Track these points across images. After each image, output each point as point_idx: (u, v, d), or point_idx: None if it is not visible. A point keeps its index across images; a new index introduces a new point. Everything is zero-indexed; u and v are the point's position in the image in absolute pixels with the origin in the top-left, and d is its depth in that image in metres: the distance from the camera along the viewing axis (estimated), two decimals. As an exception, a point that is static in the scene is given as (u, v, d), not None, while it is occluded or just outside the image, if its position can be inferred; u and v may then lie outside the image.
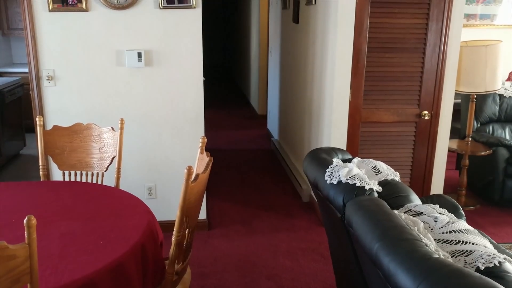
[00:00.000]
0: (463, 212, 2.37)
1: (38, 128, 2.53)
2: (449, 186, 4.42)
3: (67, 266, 1.61)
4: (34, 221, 1.27)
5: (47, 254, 1.66)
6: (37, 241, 1.35)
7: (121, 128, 2.51)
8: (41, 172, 2.55)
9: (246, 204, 4.16)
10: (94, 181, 2.58)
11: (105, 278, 1.59)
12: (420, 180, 3.77)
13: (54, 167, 3.21)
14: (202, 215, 3.59)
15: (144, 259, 1.79)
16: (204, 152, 2.13)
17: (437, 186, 3.83)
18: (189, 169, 1.73)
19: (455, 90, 3.71)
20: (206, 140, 2.17)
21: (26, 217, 1.27)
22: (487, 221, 3.89)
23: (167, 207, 3.45)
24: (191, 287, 2.78)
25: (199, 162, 2.14)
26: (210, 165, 1.99)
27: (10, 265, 1.25)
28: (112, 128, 2.57)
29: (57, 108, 3.20)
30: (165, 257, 1.98)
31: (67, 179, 2.60)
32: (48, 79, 3.12)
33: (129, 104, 3.27)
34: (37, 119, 2.53)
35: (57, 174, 3.26)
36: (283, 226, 3.71)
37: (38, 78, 3.11)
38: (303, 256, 3.24)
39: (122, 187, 2.59)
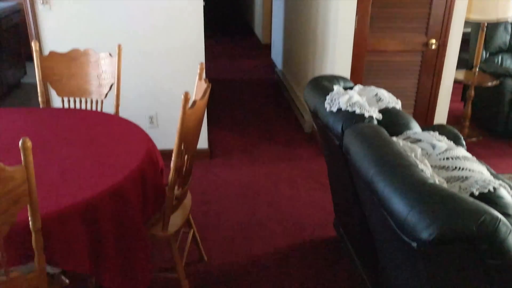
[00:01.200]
0: (464, 142, 2.36)
1: (34, 53, 2.48)
2: (453, 117, 4.39)
3: (68, 190, 1.64)
4: (29, 143, 1.27)
5: (47, 178, 1.68)
6: (37, 166, 1.37)
7: (119, 54, 2.46)
8: (40, 99, 2.53)
9: (248, 134, 4.17)
10: (94, 109, 2.57)
11: (105, 201, 1.61)
12: (423, 111, 3.73)
13: (54, 94, 3.19)
14: (204, 144, 3.61)
15: (144, 185, 1.82)
16: (203, 79, 2.09)
17: (440, 117, 3.80)
18: (186, 95, 1.71)
19: (466, 18, 3.57)
20: (204, 66, 2.13)
21: (20, 140, 1.26)
22: (489, 153, 3.90)
23: (168, 135, 3.46)
24: (193, 213, 2.86)
25: (198, 89, 2.10)
26: (208, 92, 1.96)
27: (8, 187, 1.27)
28: (110, 54, 2.52)
29: (54, 33, 3.12)
30: (165, 183, 2.01)
31: (66, 106, 2.59)
32: (43, 3, 3.02)
33: (127, 30, 3.18)
34: (32, 43, 2.47)
35: (57, 102, 3.25)
36: (284, 156, 3.74)
37: (32, 2, 3.00)
38: (303, 185, 3.28)
39: (123, 116, 2.58)
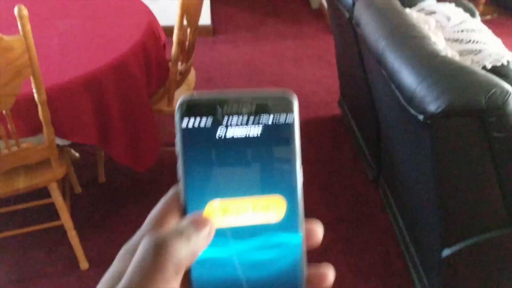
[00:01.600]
0: (479, 18, 2.26)
1: None
2: (468, -7, 4.16)
3: (70, 63, 1.61)
4: (25, 11, 1.21)
5: (47, 52, 1.64)
6: (36, 39, 1.32)
7: None
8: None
9: (252, 10, 3.99)
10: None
11: (109, 74, 1.59)
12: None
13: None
14: (207, 20, 3.48)
15: (147, 58, 1.78)
16: None
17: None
18: (188, -39, 1.59)
19: None
20: None
21: (16, 7, 1.20)
22: (503, 31, 3.75)
23: (170, 10, 3.32)
24: (197, 90, 2.85)
25: (200, -44, 1.96)
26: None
27: (9, 57, 1.24)
28: None
29: None
30: (168, 59, 1.97)
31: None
32: None
33: None
34: None
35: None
36: (290, 33, 3.63)
37: None
38: (309, 63, 3.23)
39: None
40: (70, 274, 1.81)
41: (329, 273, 0.34)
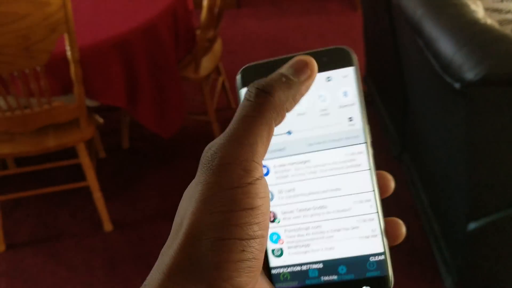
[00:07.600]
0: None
1: None
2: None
3: (101, 25, 1.62)
4: (62, -34, 1.21)
5: (79, 13, 1.64)
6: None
7: None
8: None
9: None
10: None
11: (139, 37, 1.60)
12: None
13: None
14: (231, -8, 3.46)
15: (176, 24, 1.78)
16: None
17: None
18: None
19: None
20: None
21: (53, -39, 1.20)
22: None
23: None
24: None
25: None
26: None
27: (46, 12, 1.24)
28: None
29: None
30: (196, 26, 1.96)
31: None
32: None
33: None
34: None
35: None
36: (315, 9, 3.58)
37: None
38: (333, 39, 3.19)
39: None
40: (94, 235, 1.85)
41: (401, 224, 0.35)
